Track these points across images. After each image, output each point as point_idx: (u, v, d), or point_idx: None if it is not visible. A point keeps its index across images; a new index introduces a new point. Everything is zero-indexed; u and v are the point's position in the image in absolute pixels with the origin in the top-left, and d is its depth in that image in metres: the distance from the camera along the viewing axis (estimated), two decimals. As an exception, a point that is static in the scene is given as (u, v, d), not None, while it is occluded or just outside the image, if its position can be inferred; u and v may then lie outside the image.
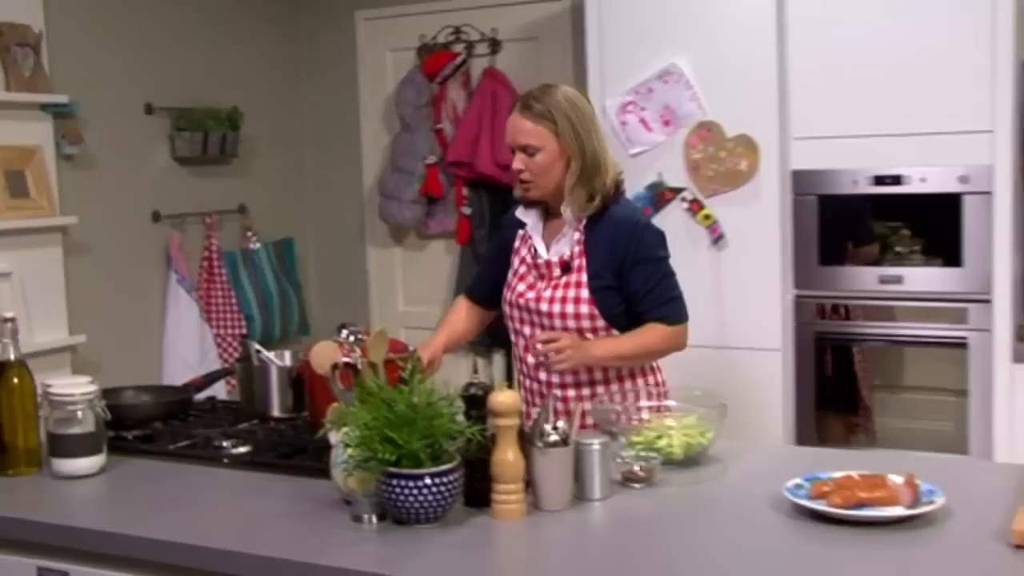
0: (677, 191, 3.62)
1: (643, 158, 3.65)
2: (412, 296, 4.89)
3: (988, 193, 3.24)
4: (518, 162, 2.42)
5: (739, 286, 3.54)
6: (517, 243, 2.56)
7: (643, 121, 3.64)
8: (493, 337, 4.52)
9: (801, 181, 3.48)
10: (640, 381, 2.50)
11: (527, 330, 2.51)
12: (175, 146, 4.24)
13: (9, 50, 3.59)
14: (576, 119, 2.40)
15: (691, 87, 3.57)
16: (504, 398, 1.85)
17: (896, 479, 1.82)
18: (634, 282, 2.44)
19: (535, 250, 2.52)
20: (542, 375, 2.50)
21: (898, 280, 3.38)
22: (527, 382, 2.55)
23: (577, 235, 2.46)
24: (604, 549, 1.74)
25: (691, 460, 2.11)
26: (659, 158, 3.63)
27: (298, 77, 4.94)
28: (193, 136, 4.22)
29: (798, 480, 1.88)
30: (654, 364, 2.55)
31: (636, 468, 2.00)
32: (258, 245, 4.55)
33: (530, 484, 1.88)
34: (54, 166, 3.76)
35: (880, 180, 3.36)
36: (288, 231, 4.78)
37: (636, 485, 2.00)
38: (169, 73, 4.25)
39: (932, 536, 1.69)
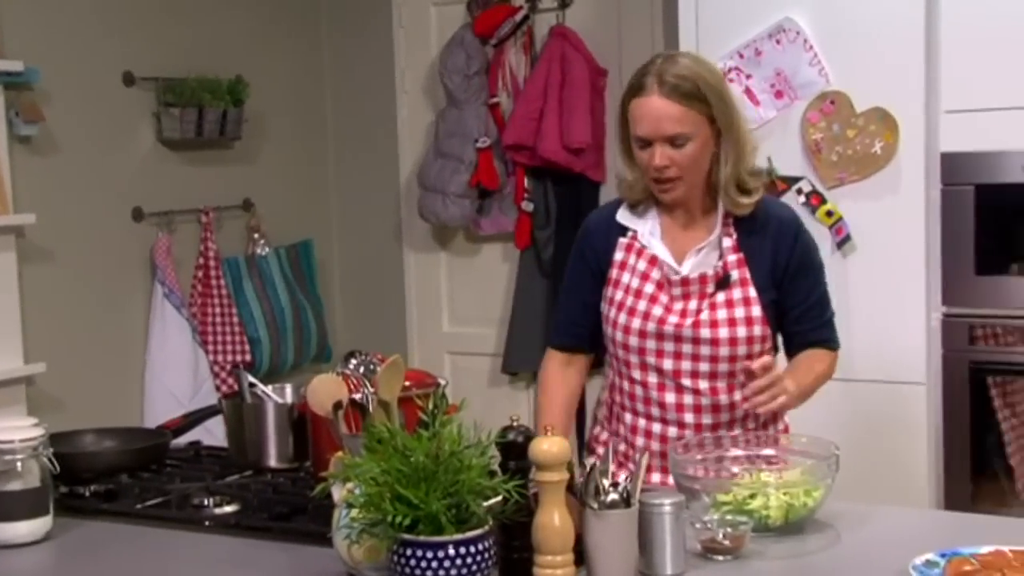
0: (792, 181, 3.61)
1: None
2: (460, 313, 4.92)
3: None
4: (661, 157, 2.40)
5: (870, 301, 3.51)
6: (619, 255, 2.55)
7: (749, 92, 3.64)
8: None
9: (953, 166, 3.45)
10: (770, 427, 2.53)
11: (669, 364, 2.48)
12: (162, 126, 4.32)
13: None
14: (726, 93, 2.46)
15: (811, 48, 3.56)
16: (550, 446, 1.84)
17: (1059, 556, 1.78)
18: (796, 295, 2.50)
19: (664, 263, 2.50)
20: (655, 426, 2.51)
21: (1081, 295, 3.34)
22: (638, 433, 2.55)
23: (730, 241, 2.48)
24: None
25: (793, 527, 2.09)
26: (769, 138, 3.60)
27: (318, 39, 5.01)
28: (185, 113, 4.29)
29: (931, 556, 1.85)
30: None
31: (720, 536, 1.99)
32: (267, 250, 4.62)
33: (582, 555, 1.88)
34: (5, 150, 3.83)
35: (1060, 164, 3.33)
36: (305, 232, 4.85)
37: (720, 558, 1.98)
38: (155, 34, 4.33)
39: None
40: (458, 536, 1.78)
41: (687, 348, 2.46)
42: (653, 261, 2.51)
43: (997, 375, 3.47)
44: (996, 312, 3.45)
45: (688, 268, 2.49)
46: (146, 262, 4.29)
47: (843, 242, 3.54)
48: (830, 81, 3.54)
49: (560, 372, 2.67)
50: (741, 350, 2.44)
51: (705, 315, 2.45)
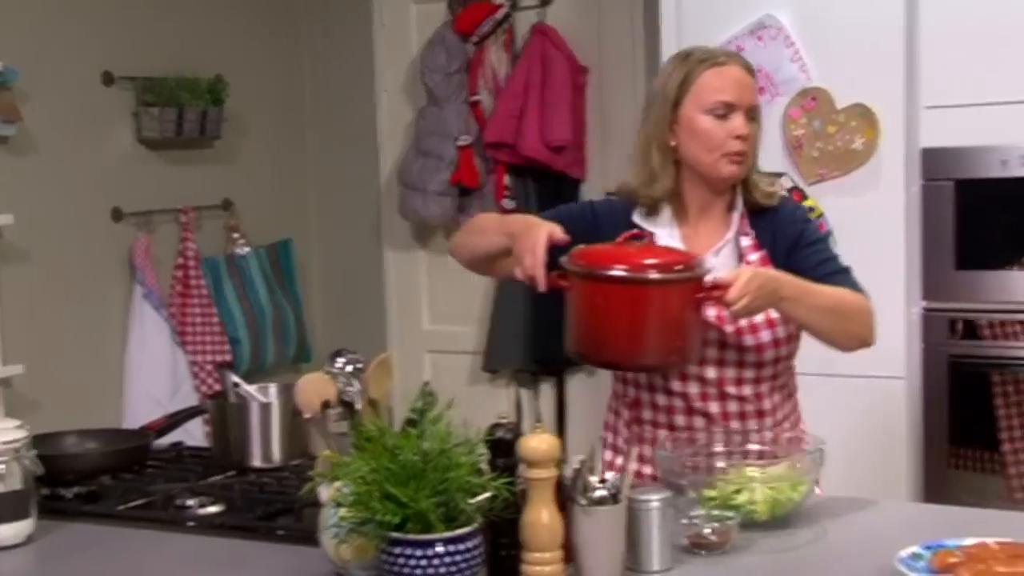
0: (774, 177, 3.61)
1: (729, 135, 3.66)
2: (440, 312, 4.92)
3: None
4: (744, 126, 2.37)
5: (853, 298, 3.51)
6: None
7: (730, 88, 3.65)
8: (542, 363, 4.56)
9: (933, 162, 3.47)
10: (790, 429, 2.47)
11: (712, 373, 2.38)
12: (141, 125, 4.31)
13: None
14: None
15: (792, 45, 3.58)
16: (538, 443, 1.84)
17: (1044, 548, 1.79)
18: (805, 261, 2.43)
19: None
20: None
21: (1063, 289, 3.37)
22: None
23: (748, 240, 2.44)
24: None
25: (779, 521, 2.09)
26: (750, 135, 3.63)
27: (298, 38, 5.01)
28: (164, 113, 4.29)
29: (916, 548, 1.86)
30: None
31: (707, 531, 1.99)
32: (247, 250, 4.62)
33: (570, 551, 1.88)
34: (-17, 150, 3.84)
35: (1038, 159, 3.34)
36: (285, 232, 4.85)
37: (707, 552, 1.99)
38: (134, 34, 4.32)
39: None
40: (447, 534, 1.78)
41: (731, 355, 2.38)
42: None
43: (976, 369, 3.49)
44: (976, 307, 3.47)
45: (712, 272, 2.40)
46: (125, 262, 4.28)
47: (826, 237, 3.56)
48: (811, 78, 3.56)
49: None
50: (783, 351, 2.39)
51: (744, 320, 2.34)
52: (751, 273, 2.21)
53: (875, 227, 3.51)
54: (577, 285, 2.21)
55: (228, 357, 4.39)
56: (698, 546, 2.00)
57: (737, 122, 2.36)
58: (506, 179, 4.55)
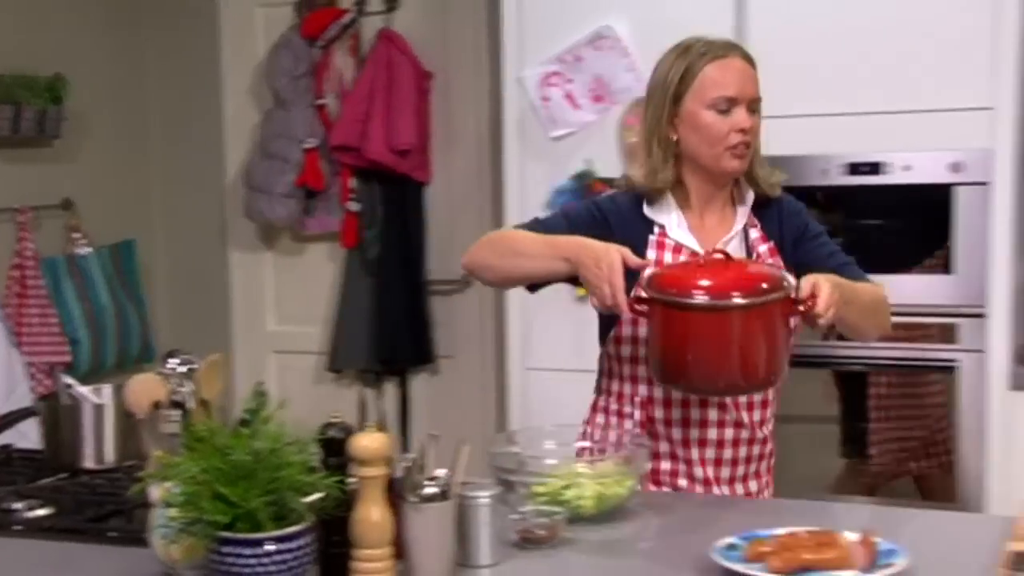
0: (610, 182, 3.65)
1: (568, 141, 3.70)
2: (287, 312, 4.88)
3: (985, 184, 3.32)
4: (747, 119, 2.35)
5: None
6: (652, 252, 2.40)
7: (569, 96, 3.68)
8: (385, 363, 4.56)
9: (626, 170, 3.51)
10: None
11: None
12: (-24, 124, 4.19)
13: None
14: None
15: (628, 55, 3.61)
16: (369, 442, 1.85)
17: (851, 536, 1.85)
18: (814, 253, 2.45)
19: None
20: (711, 432, 2.40)
21: (877, 291, 3.45)
22: (691, 446, 2.42)
23: (756, 232, 2.45)
24: (489, 629, 1.76)
25: (605, 515, 2.13)
26: (588, 142, 3.67)
27: (141, 37, 4.91)
28: (0, 111, 4.17)
29: (732, 539, 1.91)
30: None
31: (536, 526, 2.02)
32: (88, 250, 4.52)
33: (401, 548, 1.89)
34: None
35: (855, 169, 3.43)
36: (128, 232, 4.76)
37: (535, 547, 2.01)
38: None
39: (890, 606, 1.73)
40: (276, 532, 1.78)
41: None
42: (694, 256, 2.38)
43: (801, 365, 3.55)
44: (800, 308, 3.55)
45: None
46: (-40, 262, 4.16)
47: (658, 242, 3.62)
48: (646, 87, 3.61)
49: None
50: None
51: None
52: (828, 283, 2.18)
53: (706, 231, 3.57)
54: (670, 315, 2.13)
55: (67, 358, 4.29)
56: (527, 540, 2.03)
57: (739, 116, 2.35)
58: (352, 182, 4.54)
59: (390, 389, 4.69)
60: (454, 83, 4.51)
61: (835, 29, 3.43)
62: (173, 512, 1.80)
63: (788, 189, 3.46)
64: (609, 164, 3.65)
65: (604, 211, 2.45)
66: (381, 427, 1.90)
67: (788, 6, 3.46)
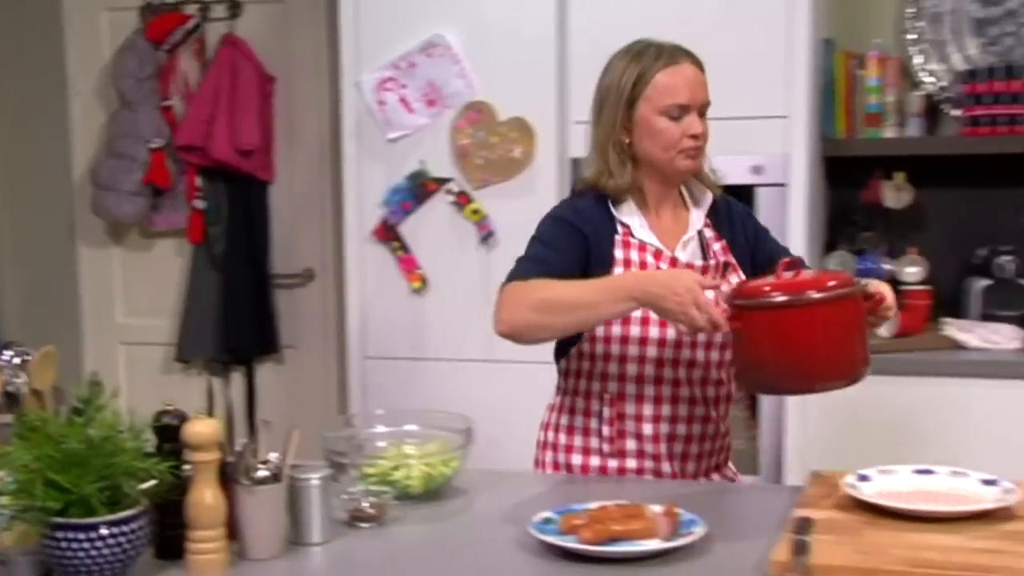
0: (442, 182, 3.65)
1: (403, 143, 3.68)
2: (135, 306, 4.74)
3: (783, 185, 3.41)
4: (698, 125, 2.28)
5: (512, 291, 3.59)
6: (619, 252, 2.32)
7: (404, 101, 3.66)
8: (232, 353, 4.47)
9: (581, 171, 3.55)
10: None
11: (701, 356, 2.31)
12: None
13: None
14: None
15: (459, 62, 3.61)
16: (201, 428, 1.81)
17: (656, 509, 1.88)
18: (770, 250, 2.43)
19: (666, 257, 2.32)
20: (647, 428, 2.33)
21: (688, 283, 3.51)
22: (644, 421, 2.34)
23: (711, 231, 2.39)
24: (318, 603, 1.73)
25: (432, 493, 2.13)
26: (422, 143, 3.66)
27: (-12, 39, 4.72)
28: None
29: (548, 513, 1.91)
30: None
31: (365, 505, 2.00)
32: (-65, 246, 4.33)
33: (235, 529, 1.85)
34: None
35: (667, 170, 3.48)
36: (-24, 228, 4.57)
37: (364, 525, 1.99)
38: None
39: (689, 571, 1.76)
40: (110, 517, 1.73)
41: (718, 337, 2.29)
42: (658, 254, 2.32)
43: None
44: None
45: (683, 261, 2.33)
46: None
47: (487, 237, 3.62)
48: (476, 92, 3.60)
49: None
50: None
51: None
52: (882, 282, 2.23)
53: (533, 227, 3.57)
54: (768, 319, 2.02)
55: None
56: (357, 519, 2.01)
57: (691, 121, 2.27)
58: (198, 180, 4.43)
59: (237, 379, 4.59)
60: (296, 87, 4.44)
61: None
62: (5, 500, 1.74)
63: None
64: (442, 165, 3.65)
65: (574, 222, 2.33)
66: (212, 414, 1.86)
67: (606, 20, 3.49)
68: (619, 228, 2.33)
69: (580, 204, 2.37)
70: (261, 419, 2.06)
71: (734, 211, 2.47)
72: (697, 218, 2.39)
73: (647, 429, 2.32)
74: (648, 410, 2.32)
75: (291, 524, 1.91)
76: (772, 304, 2.01)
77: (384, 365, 3.75)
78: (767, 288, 2.04)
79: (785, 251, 2.48)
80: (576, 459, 2.39)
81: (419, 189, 3.67)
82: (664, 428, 2.33)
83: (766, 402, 3.45)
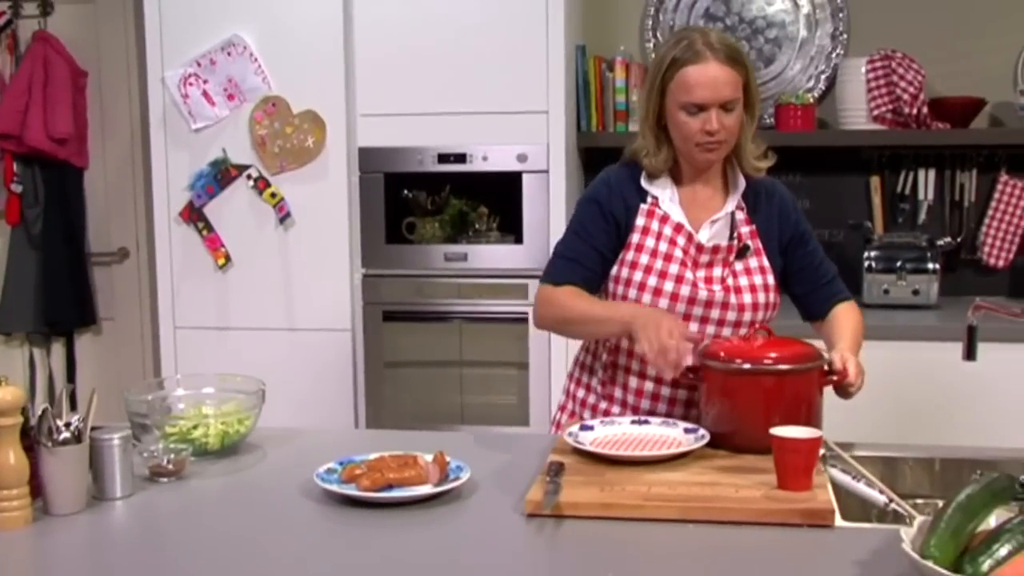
0: (242, 168, 3.56)
1: (206, 133, 3.56)
2: (-45, 284, 4.43)
3: (545, 172, 3.45)
4: (715, 122, 2.09)
5: (307, 266, 3.54)
6: (641, 219, 2.18)
7: (206, 94, 3.54)
8: (52, 325, 4.25)
9: (368, 159, 3.53)
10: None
11: (695, 328, 2.15)
12: None
13: None
14: (751, 62, 2.21)
15: (256, 60, 3.52)
16: (3, 394, 1.70)
17: (427, 457, 1.87)
18: (807, 258, 2.26)
19: (687, 231, 2.17)
20: (664, 390, 2.20)
21: (463, 257, 3.52)
22: (644, 396, 2.23)
23: (742, 214, 2.21)
24: (118, 550, 1.66)
25: (229, 449, 2.06)
26: (223, 133, 3.56)
27: None
28: None
29: (331, 464, 1.88)
30: None
31: (164, 462, 1.93)
32: None
33: (39, 487, 1.76)
34: None
35: (444, 158, 3.48)
36: None
37: (164, 479, 1.92)
38: None
39: (456, 512, 1.76)
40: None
41: (715, 313, 2.16)
42: (678, 228, 2.17)
43: (404, 319, 3.60)
44: (400, 272, 3.57)
45: (705, 238, 2.18)
46: None
47: (284, 218, 3.54)
48: (272, 87, 3.52)
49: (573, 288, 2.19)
50: (759, 315, 2.18)
51: (731, 281, 2.16)
52: (854, 359, 2.05)
53: (325, 209, 3.54)
54: (719, 380, 1.98)
55: None
56: (157, 474, 1.93)
57: (707, 119, 2.10)
58: (15, 166, 4.18)
59: (57, 349, 4.37)
60: (107, 81, 4.24)
61: (427, 41, 3.47)
62: None
63: (391, 175, 3.52)
64: (242, 152, 3.56)
65: (603, 203, 2.21)
66: (33, 382, 1.75)
67: (387, 22, 3.47)
68: (648, 199, 2.21)
69: (616, 177, 2.24)
70: (65, 385, 1.96)
71: (775, 201, 2.26)
72: (731, 200, 2.23)
73: (633, 383, 2.22)
74: (637, 365, 2.21)
75: (94, 481, 1.82)
76: (719, 369, 1.99)
77: (193, 335, 3.64)
78: (722, 352, 2.00)
79: (819, 267, 2.30)
80: (580, 392, 2.32)
81: (221, 175, 3.56)
82: (649, 386, 2.21)
83: (533, 359, 3.49)
